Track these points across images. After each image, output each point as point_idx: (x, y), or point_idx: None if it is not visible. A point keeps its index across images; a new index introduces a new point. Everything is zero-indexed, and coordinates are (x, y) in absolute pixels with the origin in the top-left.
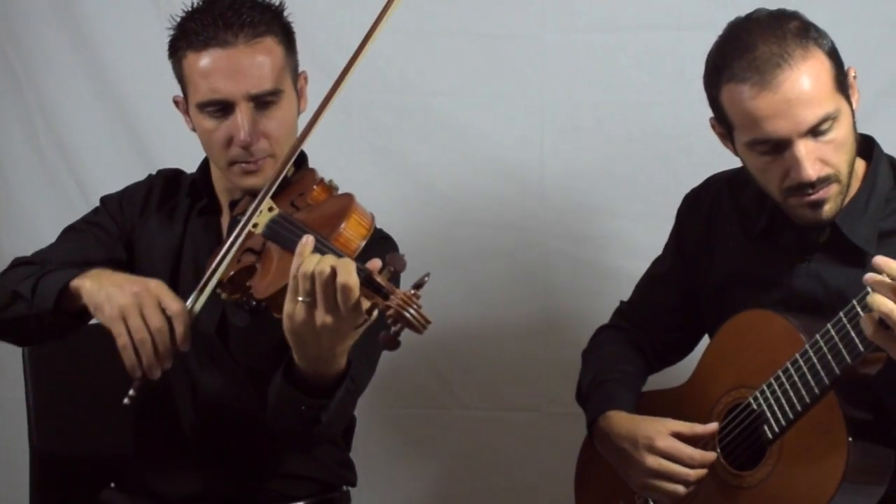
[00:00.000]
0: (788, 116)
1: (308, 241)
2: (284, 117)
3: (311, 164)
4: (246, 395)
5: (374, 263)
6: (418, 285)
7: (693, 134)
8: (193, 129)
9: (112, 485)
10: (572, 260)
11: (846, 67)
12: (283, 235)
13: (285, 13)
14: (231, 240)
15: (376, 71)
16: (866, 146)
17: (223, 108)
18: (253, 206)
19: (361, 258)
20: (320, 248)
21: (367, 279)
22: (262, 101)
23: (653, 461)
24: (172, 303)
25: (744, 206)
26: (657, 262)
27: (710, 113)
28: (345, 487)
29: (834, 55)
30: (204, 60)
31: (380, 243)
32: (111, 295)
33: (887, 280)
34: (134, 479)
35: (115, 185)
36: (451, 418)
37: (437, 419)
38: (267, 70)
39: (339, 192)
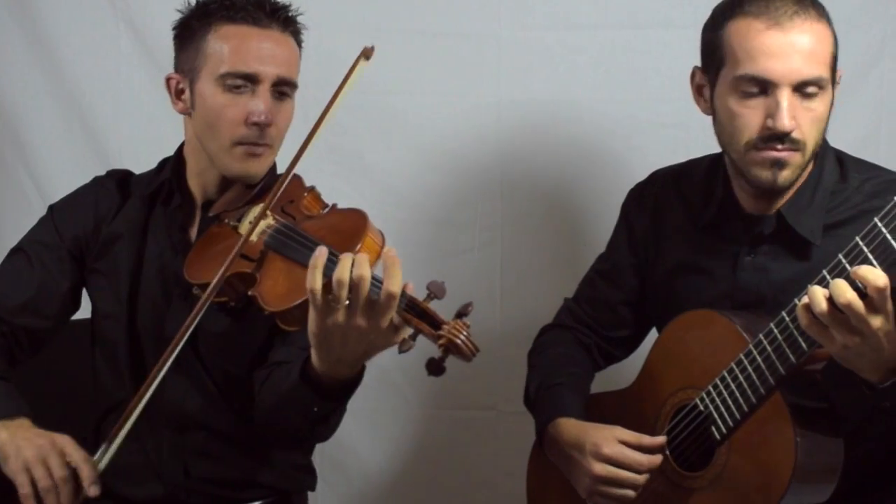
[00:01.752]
0: (789, 60)
1: (322, 252)
2: (290, 113)
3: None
4: (212, 401)
5: (409, 286)
6: (462, 314)
7: (648, 131)
8: (184, 111)
9: None
10: (530, 258)
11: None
12: (291, 248)
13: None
14: (236, 251)
15: (333, 70)
16: None
17: (249, 82)
18: (258, 215)
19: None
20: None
21: (411, 305)
22: (281, 91)
23: (600, 468)
24: (75, 453)
25: (690, 199)
26: (602, 258)
27: (666, 110)
28: (305, 493)
29: (828, 44)
30: (241, 33)
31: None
32: (20, 448)
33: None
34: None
35: (73, 184)
36: (408, 417)
37: (394, 418)
38: (295, 61)
39: (324, 198)
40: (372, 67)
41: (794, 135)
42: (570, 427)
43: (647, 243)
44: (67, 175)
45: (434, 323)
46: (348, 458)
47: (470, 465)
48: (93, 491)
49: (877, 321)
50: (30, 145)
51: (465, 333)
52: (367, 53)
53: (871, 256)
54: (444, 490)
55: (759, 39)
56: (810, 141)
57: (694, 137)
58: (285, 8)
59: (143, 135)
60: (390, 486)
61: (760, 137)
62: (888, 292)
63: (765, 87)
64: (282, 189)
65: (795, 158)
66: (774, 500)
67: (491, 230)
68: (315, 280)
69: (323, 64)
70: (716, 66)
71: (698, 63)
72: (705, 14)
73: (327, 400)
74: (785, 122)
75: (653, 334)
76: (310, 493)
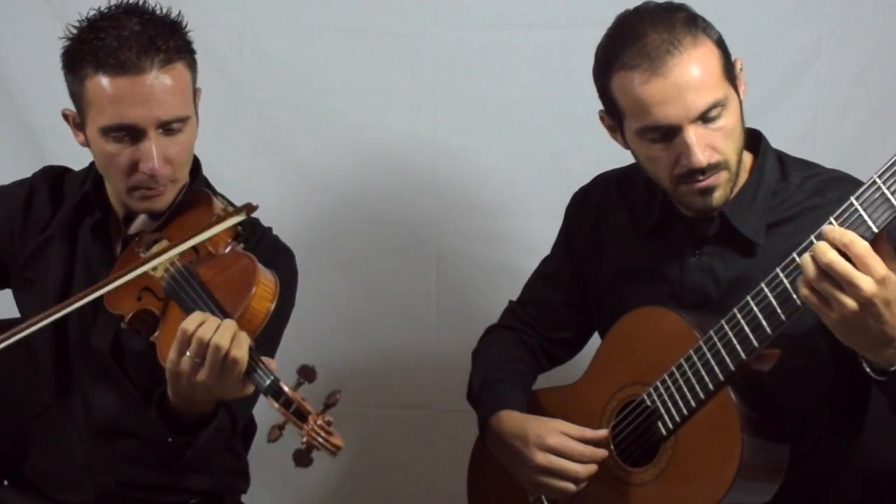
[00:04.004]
0: (679, 102)
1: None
2: (188, 142)
3: (205, 164)
4: (139, 413)
5: (271, 364)
6: (329, 405)
7: (584, 131)
8: (85, 145)
9: (5, 482)
10: (465, 257)
11: (733, 58)
12: (184, 299)
13: (183, 22)
14: (123, 275)
15: (269, 70)
16: (754, 140)
17: (131, 134)
18: (158, 252)
19: (268, 324)
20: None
21: (276, 392)
22: (170, 129)
23: (543, 458)
24: None
25: (633, 203)
26: (546, 261)
27: (598, 110)
28: (239, 496)
29: (721, 45)
30: (114, 85)
31: (280, 256)
32: None
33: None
34: (29, 482)
35: (8, 181)
36: (344, 416)
37: (330, 416)
38: (178, 97)
39: (239, 221)
40: (308, 65)
41: (712, 161)
42: (513, 419)
43: (591, 246)
44: (3, 172)
45: (300, 414)
46: (285, 458)
47: (407, 464)
48: None
49: (868, 284)
50: None
51: (322, 435)
52: (249, 210)
53: (864, 215)
54: (382, 489)
55: (643, 91)
56: (730, 155)
57: None
58: (164, 38)
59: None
60: (327, 487)
61: (680, 175)
62: (862, 249)
63: (668, 131)
64: (189, 244)
65: (722, 178)
66: (717, 496)
67: (427, 229)
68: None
69: (259, 63)
70: (618, 117)
71: None
72: None
73: (180, 433)
74: (697, 159)
75: (596, 337)
76: (248, 497)
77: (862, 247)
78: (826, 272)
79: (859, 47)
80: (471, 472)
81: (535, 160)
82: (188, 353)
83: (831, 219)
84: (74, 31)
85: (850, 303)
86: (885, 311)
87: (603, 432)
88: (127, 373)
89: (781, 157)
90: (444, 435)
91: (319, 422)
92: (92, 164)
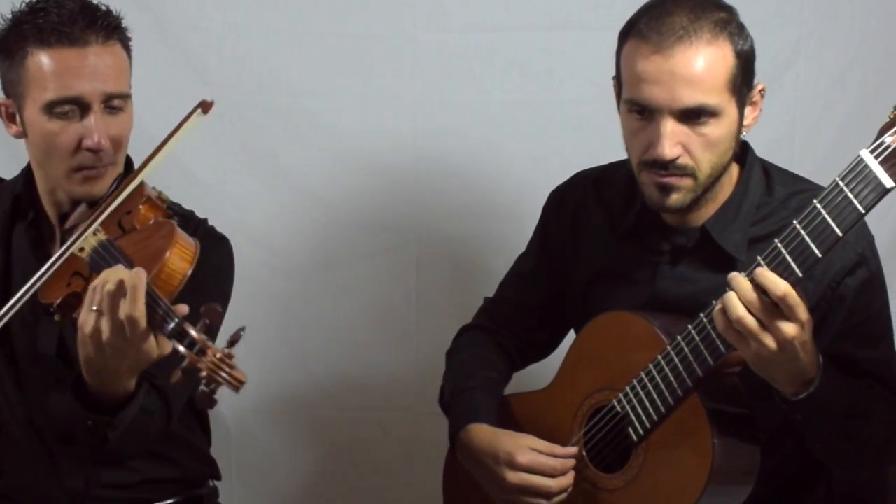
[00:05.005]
0: (667, 88)
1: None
2: (128, 123)
3: (184, 166)
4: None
5: (182, 309)
6: (232, 342)
7: (564, 134)
8: (19, 136)
9: None
10: (445, 260)
11: (757, 82)
12: (104, 268)
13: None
14: (49, 264)
15: (248, 72)
16: (741, 151)
17: (77, 107)
18: (80, 230)
19: (189, 288)
20: None
21: (178, 332)
22: (112, 105)
23: (514, 477)
24: None
25: (610, 204)
26: (521, 260)
27: (583, 112)
28: (211, 483)
29: (744, 59)
30: (60, 57)
31: (214, 247)
32: None
33: (748, 287)
34: (4, 497)
35: None
36: (323, 418)
37: (308, 419)
38: (121, 72)
39: (167, 203)
40: (288, 68)
41: (680, 161)
42: (483, 434)
43: (567, 247)
44: None
45: (201, 352)
46: (261, 459)
47: (386, 465)
48: None
49: (789, 328)
50: None
51: (227, 367)
52: (204, 107)
53: (789, 259)
54: (358, 491)
55: (642, 65)
56: (704, 165)
57: (611, 139)
58: (103, 17)
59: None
60: (305, 488)
61: (645, 162)
62: (793, 300)
63: (648, 112)
64: (110, 210)
65: (685, 183)
66: (690, 501)
67: (406, 232)
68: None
69: (238, 66)
70: (619, 83)
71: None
72: (620, 16)
73: (96, 413)
74: (664, 150)
75: (571, 336)
76: (224, 491)
77: (794, 297)
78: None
79: (837, 50)
80: (445, 477)
81: (514, 163)
82: (93, 308)
83: (795, 222)
84: (9, 19)
85: (770, 344)
86: (800, 350)
87: (573, 449)
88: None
89: (767, 170)
90: (423, 437)
91: (219, 355)
92: (21, 171)
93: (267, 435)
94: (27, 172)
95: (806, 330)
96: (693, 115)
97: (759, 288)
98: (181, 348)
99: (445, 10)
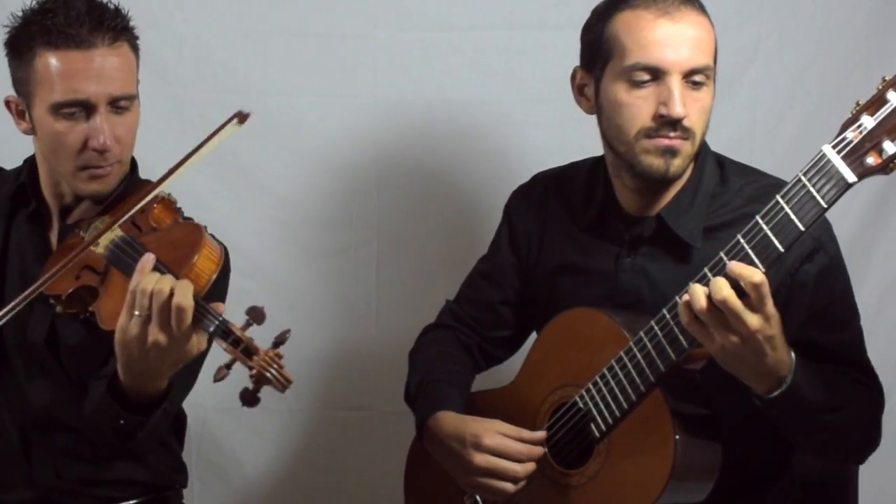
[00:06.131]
0: (679, 49)
1: (149, 258)
2: (134, 123)
3: (144, 164)
4: (75, 405)
5: (219, 307)
6: (279, 343)
7: (524, 132)
8: (29, 132)
9: None
10: (405, 258)
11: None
12: (127, 263)
13: (124, 10)
14: (69, 259)
15: (208, 70)
16: None
17: (84, 109)
18: (102, 228)
19: (211, 291)
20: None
21: (225, 332)
22: (119, 106)
23: (481, 459)
24: None
25: (571, 201)
26: (484, 259)
27: (542, 111)
28: (177, 486)
29: (712, 35)
30: (67, 59)
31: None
32: None
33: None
34: None
35: None
36: (284, 418)
37: (270, 418)
38: (127, 74)
39: (178, 206)
40: (248, 67)
41: (685, 123)
42: (451, 420)
43: (530, 244)
44: None
45: (248, 351)
46: (225, 459)
47: (346, 465)
48: None
49: (754, 321)
50: None
51: (275, 367)
52: (241, 118)
53: (752, 254)
54: (321, 490)
55: (649, 29)
56: (698, 131)
57: (571, 138)
58: (111, 18)
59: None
60: (267, 487)
61: (653, 126)
62: (766, 290)
63: (656, 75)
64: (137, 208)
65: (686, 147)
66: (651, 498)
67: (367, 230)
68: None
69: (198, 65)
70: (602, 61)
71: (576, 64)
72: (580, 15)
73: (133, 413)
74: (678, 108)
75: (534, 336)
76: (186, 494)
77: (766, 287)
78: (718, 308)
79: (797, 49)
80: (407, 473)
81: (474, 161)
82: (136, 312)
83: (757, 217)
84: (19, 17)
85: (733, 337)
86: (766, 345)
87: (541, 434)
88: (62, 365)
89: (721, 161)
90: (384, 436)
91: (271, 354)
92: (25, 161)
93: (227, 434)
94: (32, 163)
95: (772, 324)
96: (694, 79)
97: (730, 279)
98: (224, 345)
99: (405, 10)
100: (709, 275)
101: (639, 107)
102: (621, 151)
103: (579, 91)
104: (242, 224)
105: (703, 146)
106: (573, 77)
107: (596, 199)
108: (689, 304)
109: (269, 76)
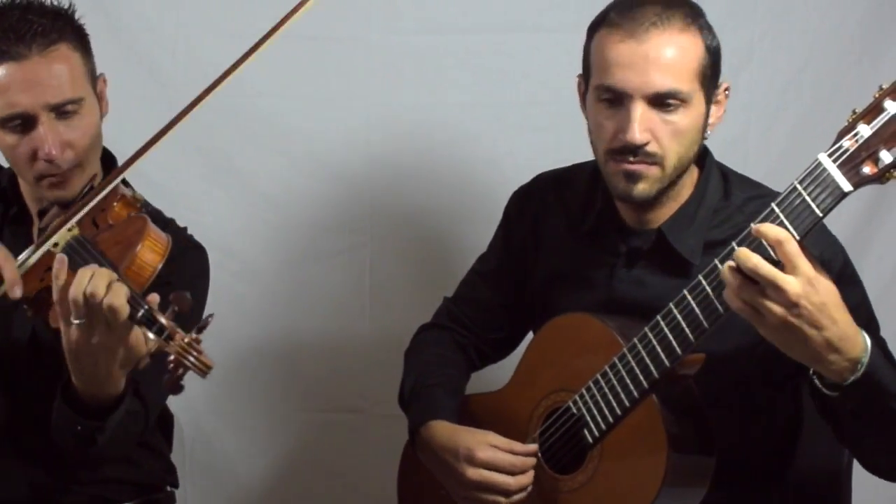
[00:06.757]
0: (640, 72)
1: (60, 260)
2: (87, 125)
3: (137, 166)
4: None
5: (154, 298)
6: (201, 328)
7: (518, 135)
8: None
9: None
10: (399, 261)
11: (722, 81)
12: (79, 263)
13: (77, 17)
14: (24, 258)
15: (200, 72)
16: (700, 154)
17: (24, 121)
18: (53, 227)
19: (158, 282)
20: None
21: (147, 319)
22: (63, 111)
23: (474, 473)
24: None
25: (570, 206)
26: (482, 260)
27: (536, 114)
28: (168, 489)
29: (712, 53)
30: (1, 74)
31: (191, 255)
32: None
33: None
34: None
35: None
36: (278, 419)
37: (261, 419)
38: (65, 79)
39: (140, 203)
40: (242, 69)
41: (649, 148)
42: (443, 431)
43: (527, 247)
44: None
45: (169, 338)
46: (216, 460)
47: (338, 467)
48: (16, 293)
49: (794, 284)
50: None
51: (195, 351)
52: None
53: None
54: (315, 493)
55: (614, 50)
56: (671, 154)
57: (564, 141)
58: (40, 24)
59: None
60: (260, 490)
61: (616, 149)
62: (792, 247)
63: (619, 97)
64: (86, 209)
65: (652, 172)
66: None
67: (360, 233)
68: (55, 294)
69: (191, 67)
70: (587, 76)
71: (570, 68)
72: (574, 18)
73: (88, 418)
74: (635, 134)
75: (530, 336)
76: (178, 494)
77: (793, 245)
78: (750, 278)
79: (791, 52)
80: (400, 476)
81: (467, 164)
82: (74, 321)
83: (752, 225)
84: None
85: (777, 308)
86: (820, 315)
87: (533, 447)
88: (45, 365)
89: (725, 174)
90: (377, 439)
91: (187, 339)
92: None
93: (220, 437)
94: (10, 169)
95: (818, 290)
96: (663, 102)
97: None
98: (150, 335)
99: (399, 12)
100: (703, 282)
101: (605, 127)
102: (600, 168)
103: (582, 98)
104: (234, 227)
105: (708, 159)
106: (578, 85)
107: (595, 208)
108: (736, 268)
109: (263, 78)
